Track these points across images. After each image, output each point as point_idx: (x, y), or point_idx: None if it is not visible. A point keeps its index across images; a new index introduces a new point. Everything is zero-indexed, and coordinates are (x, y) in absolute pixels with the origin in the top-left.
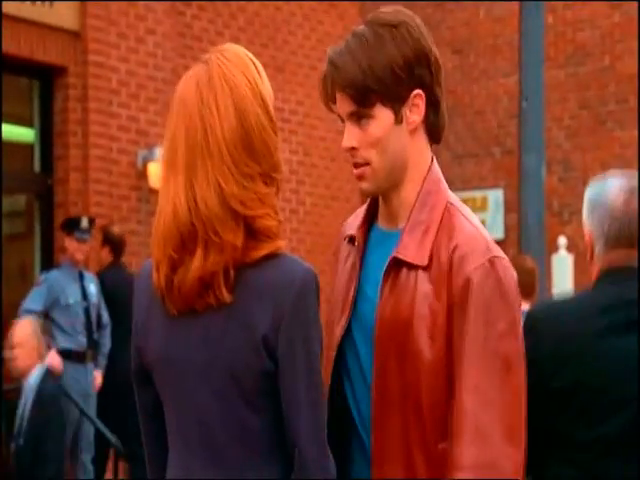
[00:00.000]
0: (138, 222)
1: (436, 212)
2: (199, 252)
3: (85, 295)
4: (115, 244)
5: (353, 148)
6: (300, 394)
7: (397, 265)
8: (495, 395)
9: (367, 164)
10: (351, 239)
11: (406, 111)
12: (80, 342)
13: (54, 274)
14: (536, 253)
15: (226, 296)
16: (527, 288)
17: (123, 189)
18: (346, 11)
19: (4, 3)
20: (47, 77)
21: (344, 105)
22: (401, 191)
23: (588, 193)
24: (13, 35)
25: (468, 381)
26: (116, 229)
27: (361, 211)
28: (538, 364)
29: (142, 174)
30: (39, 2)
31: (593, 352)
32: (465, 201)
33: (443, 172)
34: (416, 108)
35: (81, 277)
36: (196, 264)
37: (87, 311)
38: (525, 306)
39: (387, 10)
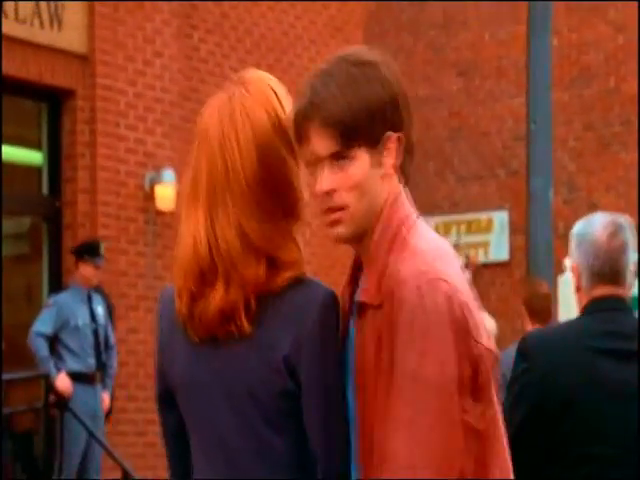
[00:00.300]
0: (145, 244)
1: (392, 252)
2: (219, 286)
3: (93, 317)
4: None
5: (331, 191)
6: (322, 413)
7: (361, 309)
8: (423, 423)
9: (343, 208)
10: None
11: (380, 155)
12: (89, 364)
13: (63, 296)
14: (544, 275)
15: (246, 327)
16: (542, 313)
17: (130, 211)
18: (351, 35)
19: (14, 27)
20: (55, 100)
21: (323, 144)
22: (370, 237)
23: (575, 229)
24: (22, 59)
25: (394, 414)
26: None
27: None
28: (531, 388)
29: (149, 196)
30: (48, 26)
31: (580, 377)
32: (470, 223)
33: (448, 194)
34: (389, 151)
35: (89, 299)
36: (216, 297)
37: (96, 333)
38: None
39: (358, 48)
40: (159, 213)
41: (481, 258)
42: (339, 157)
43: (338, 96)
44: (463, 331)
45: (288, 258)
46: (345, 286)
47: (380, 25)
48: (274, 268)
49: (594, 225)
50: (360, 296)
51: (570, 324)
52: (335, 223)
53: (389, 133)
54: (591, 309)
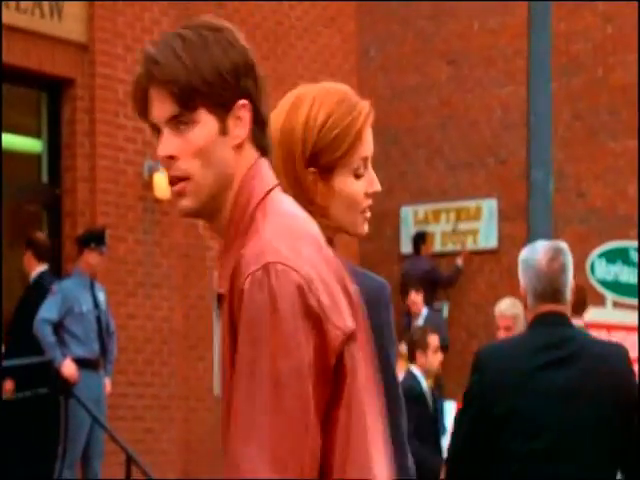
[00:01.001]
0: (144, 232)
1: (241, 235)
2: None
3: (96, 303)
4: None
5: (171, 157)
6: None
7: (220, 299)
8: (259, 427)
9: (187, 178)
10: None
11: (230, 123)
12: (93, 349)
13: (67, 283)
14: None
15: None
16: (582, 306)
17: (129, 199)
18: (345, 25)
19: (15, 17)
20: (55, 89)
21: (163, 108)
22: (223, 215)
23: (521, 255)
24: (23, 48)
25: (233, 412)
26: (41, 235)
27: None
28: (482, 396)
29: (148, 184)
30: (48, 16)
31: (525, 385)
32: (459, 210)
33: (437, 182)
34: (241, 121)
35: (92, 286)
36: None
37: (99, 319)
38: (577, 322)
39: (210, 17)
40: (157, 201)
41: (470, 245)
42: (180, 121)
43: (183, 56)
44: (311, 319)
45: None
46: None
47: (370, 15)
48: None
49: (536, 251)
50: (217, 286)
51: (517, 338)
52: (179, 195)
53: (242, 101)
54: (535, 324)
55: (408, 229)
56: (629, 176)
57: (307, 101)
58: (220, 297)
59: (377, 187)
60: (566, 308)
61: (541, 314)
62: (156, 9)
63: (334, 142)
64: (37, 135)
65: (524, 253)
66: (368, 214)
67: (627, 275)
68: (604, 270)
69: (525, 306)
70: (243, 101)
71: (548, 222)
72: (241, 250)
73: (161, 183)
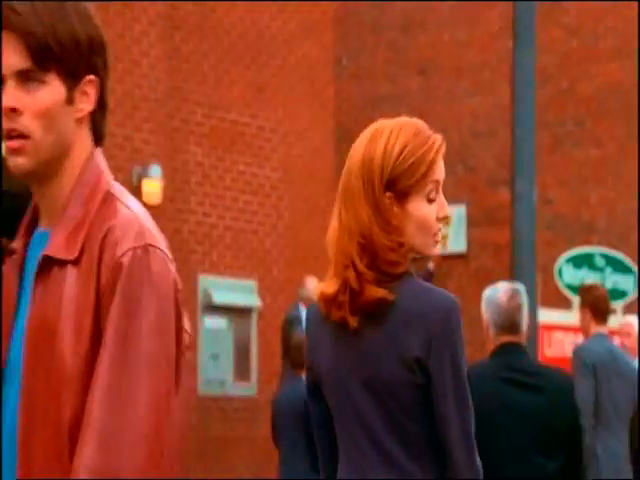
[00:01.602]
0: None
1: (92, 204)
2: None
3: None
4: None
5: (14, 110)
6: (450, 406)
7: (47, 265)
8: (130, 399)
9: (27, 137)
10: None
11: (77, 94)
12: None
13: None
14: (527, 272)
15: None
16: (606, 314)
17: None
18: (323, 34)
19: None
20: None
21: (15, 58)
22: (56, 183)
23: (484, 294)
24: None
25: (100, 382)
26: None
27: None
28: None
29: (137, 190)
30: None
31: (490, 401)
32: None
33: None
34: (87, 97)
35: None
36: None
37: None
38: (601, 329)
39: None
40: (145, 207)
41: (440, 250)
42: (28, 78)
43: (42, 14)
44: (178, 304)
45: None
46: (21, 236)
47: (343, 26)
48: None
49: (497, 291)
50: (47, 250)
51: (482, 363)
52: (16, 151)
53: (91, 76)
54: (497, 352)
55: None
56: (592, 184)
57: (385, 133)
58: (48, 260)
59: (446, 212)
60: (522, 338)
61: (501, 344)
62: (145, 20)
63: (409, 170)
64: None
65: (487, 292)
66: (439, 237)
67: (592, 280)
68: (571, 275)
69: (487, 337)
70: (92, 77)
71: (532, 229)
72: (106, 222)
73: (150, 189)
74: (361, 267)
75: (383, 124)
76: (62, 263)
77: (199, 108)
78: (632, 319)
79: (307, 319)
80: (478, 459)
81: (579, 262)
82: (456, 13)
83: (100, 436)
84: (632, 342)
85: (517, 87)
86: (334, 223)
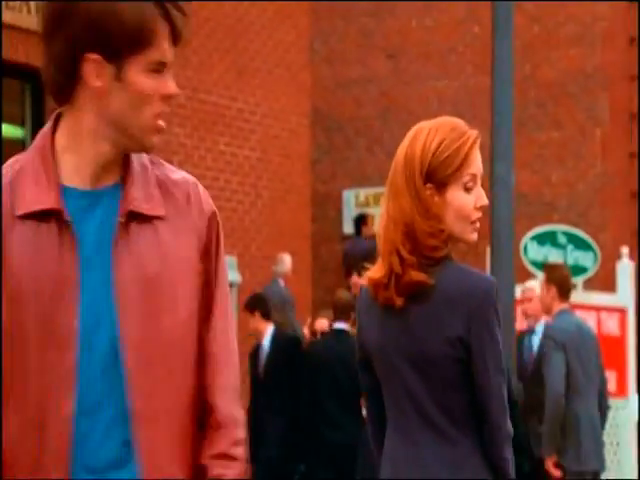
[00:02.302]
0: None
1: (146, 167)
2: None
3: None
4: None
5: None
6: (489, 380)
7: (131, 220)
8: (232, 337)
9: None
10: (38, 214)
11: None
12: None
13: None
14: (506, 253)
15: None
16: (569, 293)
17: None
18: (299, 21)
19: (5, 14)
20: (41, 81)
21: (172, 50)
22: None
23: None
24: (12, 43)
25: (220, 325)
26: None
27: (27, 174)
28: None
29: None
30: (34, 13)
31: None
32: None
33: (377, 168)
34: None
35: None
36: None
37: None
38: (564, 305)
39: None
40: None
41: None
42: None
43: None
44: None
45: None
46: (50, 195)
47: (315, 11)
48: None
49: None
50: (132, 205)
51: None
52: (162, 131)
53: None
54: None
55: (350, 211)
56: (553, 165)
57: (424, 132)
58: (133, 215)
59: (485, 201)
60: None
61: None
62: None
63: (445, 161)
64: (21, 124)
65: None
66: (477, 225)
67: (555, 256)
68: (535, 251)
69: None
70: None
71: (510, 211)
72: (179, 180)
73: None
74: (404, 253)
75: (424, 124)
76: (147, 219)
77: (182, 91)
78: (533, 284)
79: (358, 301)
80: (509, 421)
81: (543, 239)
82: (424, 0)
83: (227, 366)
84: (534, 307)
85: (496, 77)
86: (383, 215)
